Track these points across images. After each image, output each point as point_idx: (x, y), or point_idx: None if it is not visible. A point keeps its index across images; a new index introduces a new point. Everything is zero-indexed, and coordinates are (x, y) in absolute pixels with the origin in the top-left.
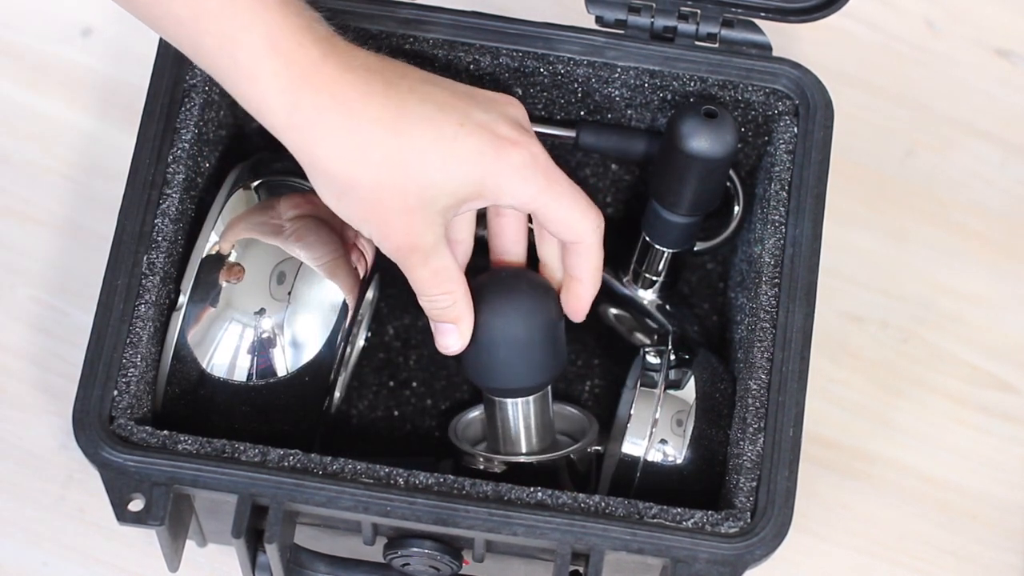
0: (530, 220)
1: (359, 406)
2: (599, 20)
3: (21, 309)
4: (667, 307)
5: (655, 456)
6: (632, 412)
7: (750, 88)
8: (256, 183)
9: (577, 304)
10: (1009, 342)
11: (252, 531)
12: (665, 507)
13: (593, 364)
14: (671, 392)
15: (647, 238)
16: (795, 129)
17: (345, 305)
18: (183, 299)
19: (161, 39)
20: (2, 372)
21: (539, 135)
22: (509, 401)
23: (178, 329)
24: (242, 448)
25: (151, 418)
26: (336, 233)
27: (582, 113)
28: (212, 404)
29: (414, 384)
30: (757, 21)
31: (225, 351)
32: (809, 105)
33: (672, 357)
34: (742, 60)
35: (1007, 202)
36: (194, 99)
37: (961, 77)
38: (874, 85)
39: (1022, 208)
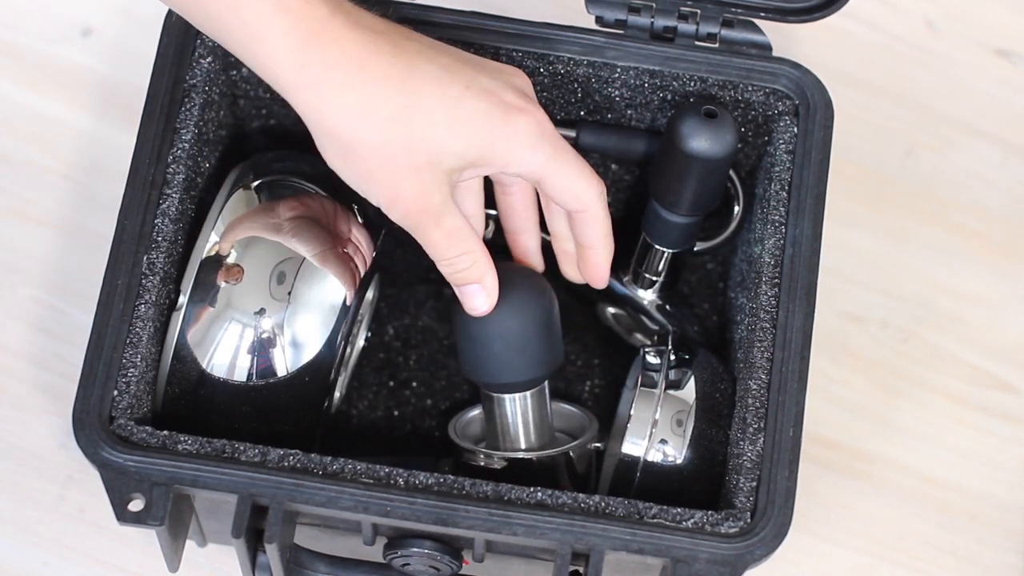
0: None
1: (359, 406)
2: (599, 20)
3: (21, 309)
4: (667, 307)
5: (655, 456)
6: (632, 412)
7: (750, 88)
8: (256, 183)
9: (595, 272)
10: (1009, 342)
11: (252, 531)
12: (665, 507)
13: (593, 364)
14: (671, 392)
15: (647, 238)
16: (795, 129)
17: (345, 305)
18: (183, 299)
19: (161, 38)
20: (2, 372)
21: None
22: (507, 396)
23: (178, 329)
24: (242, 448)
25: (151, 418)
26: (336, 233)
27: (582, 113)
28: (212, 404)
29: (414, 384)
30: (757, 21)
31: (225, 351)
32: (809, 105)
33: (672, 357)
34: (742, 60)
35: (1007, 202)
36: (194, 99)
37: (961, 77)
38: (874, 85)
39: (1022, 208)
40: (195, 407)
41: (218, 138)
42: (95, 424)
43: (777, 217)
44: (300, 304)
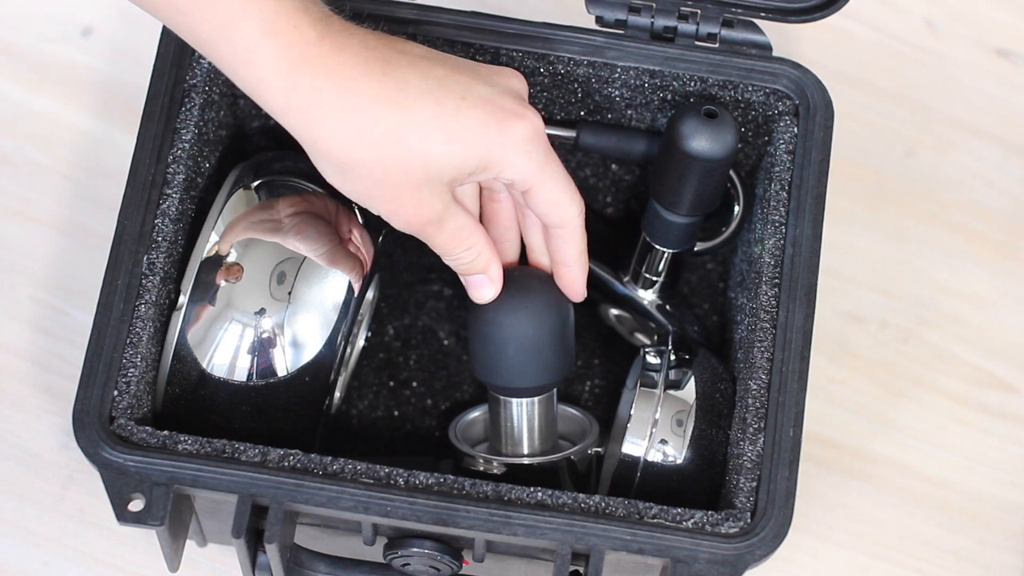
0: None
1: (359, 406)
2: (599, 20)
3: (21, 309)
4: (667, 307)
5: (655, 456)
6: (632, 412)
7: (750, 88)
8: (256, 183)
9: (572, 288)
10: (1009, 342)
11: (252, 531)
12: (665, 507)
13: (593, 364)
14: (671, 392)
15: (647, 238)
16: (795, 129)
17: (345, 305)
18: (183, 299)
19: (161, 38)
20: (2, 372)
21: None
22: (515, 401)
23: (178, 329)
24: (242, 448)
25: (151, 418)
26: (336, 233)
27: (582, 113)
28: (212, 404)
29: (414, 384)
30: (757, 21)
31: (225, 351)
32: (809, 105)
33: (672, 357)
34: (742, 60)
35: (1007, 202)
36: (194, 99)
37: (961, 77)
38: (874, 85)
39: (1022, 208)
40: (195, 407)
41: (218, 138)
42: (95, 424)
43: (777, 217)
44: (300, 304)
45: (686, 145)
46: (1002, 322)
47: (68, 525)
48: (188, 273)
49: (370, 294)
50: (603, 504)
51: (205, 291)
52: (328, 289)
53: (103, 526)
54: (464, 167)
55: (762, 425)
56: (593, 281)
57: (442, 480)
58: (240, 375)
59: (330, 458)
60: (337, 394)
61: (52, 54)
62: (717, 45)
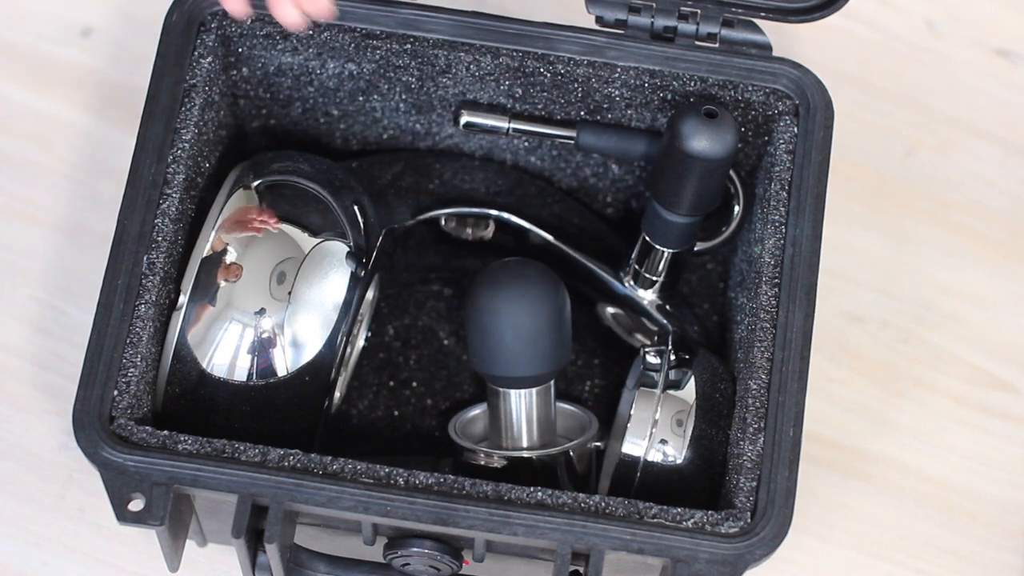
0: None
1: (359, 406)
2: (599, 20)
3: (21, 309)
4: (667, 307)
5: (655, 456)
6: (632, 412)
7: (750, 88)
8: (256, 183)
9: (313, 4)
10: (1009, 342)
11: (252, 531)
12: (665, 507)
13: (593, 364)
14: (671, 392)
15: (647, 238)
16: (795, 129)
17: (345, 305)
18: (183, 299)
19: (161, 38)
20: (2, 372)
21: (539, 135)
22: (513, 392)
23: (178, 329)
24: (242, 448)
25: (151, 418)
26: (336, 233)
27: (582, 113)
28: (212, 404)
29: (414, 384)
30: (757, 21)
31: (225, 351)
32: (809, 105)
33: (672, 357)
34: (742, 60)
35: (1007, 202)
36: (194, 99)
37: (961, 77)
38: (874, 85)
39: (1022, 208)
40: (195, 407)
41: (218, 138)
42: (95, 424)
43: (777, 217)
44: (300, 304)
45: (686, 145)
46: (1002, 322)
47: (68, 525)
48: (188, 273)
49: (370, 294)
50: (603, 504)
51: (205, 291)
52: (328, 289)
53: (103, 526)
54: None
55: (762, 425)
56: (593, 281)
57: (442, 480)
58: (240, 375)
59: (330, 458)
60: (337, 394)
61: (52, 54)
62: (717, 45)
